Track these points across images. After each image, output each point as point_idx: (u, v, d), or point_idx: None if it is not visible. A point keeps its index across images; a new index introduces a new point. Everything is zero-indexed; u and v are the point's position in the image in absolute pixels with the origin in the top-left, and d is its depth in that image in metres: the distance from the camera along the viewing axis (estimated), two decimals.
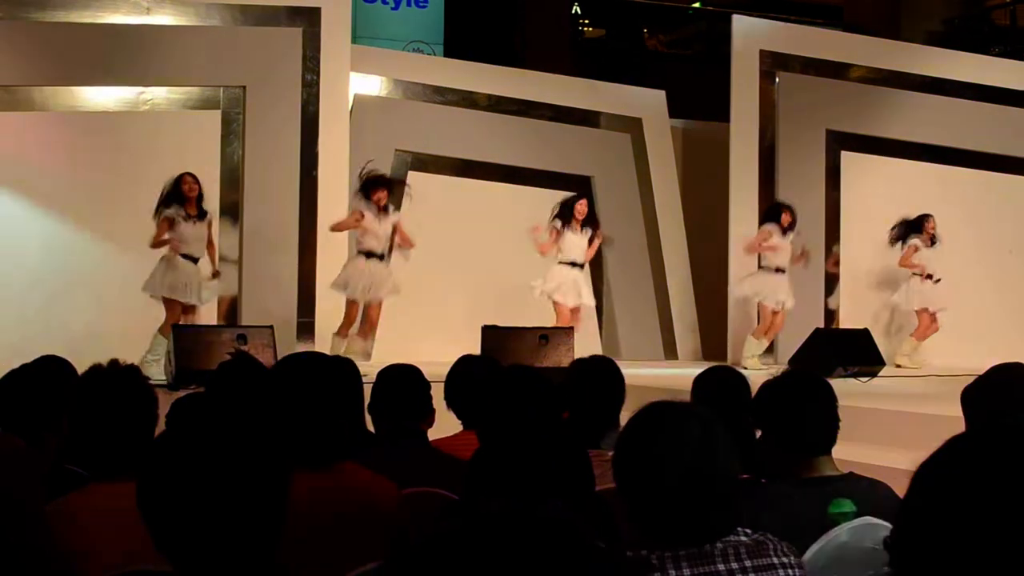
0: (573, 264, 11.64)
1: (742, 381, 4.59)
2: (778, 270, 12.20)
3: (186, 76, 11.63)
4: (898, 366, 12.71)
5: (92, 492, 3.03)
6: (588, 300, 11.89)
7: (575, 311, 11.68)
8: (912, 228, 12.85)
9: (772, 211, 12.37)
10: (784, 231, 12.14)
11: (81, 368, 3.62)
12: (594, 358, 4.85)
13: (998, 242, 14.13)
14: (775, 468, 3.58)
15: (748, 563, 2.37)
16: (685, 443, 2.37)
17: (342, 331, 11.08)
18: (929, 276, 12.85)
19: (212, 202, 11.50)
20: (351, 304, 11.07)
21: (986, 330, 13.48)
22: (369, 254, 10.93)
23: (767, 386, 3.62)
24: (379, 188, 10.87)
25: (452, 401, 4.71)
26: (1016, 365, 3.94)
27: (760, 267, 12.32)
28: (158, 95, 11.62)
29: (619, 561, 2.20)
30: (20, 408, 3.88)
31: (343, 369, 3.56)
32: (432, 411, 4.31)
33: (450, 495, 3.53)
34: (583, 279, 11.76)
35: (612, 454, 4.18)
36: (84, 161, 11.37)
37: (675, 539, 2.33)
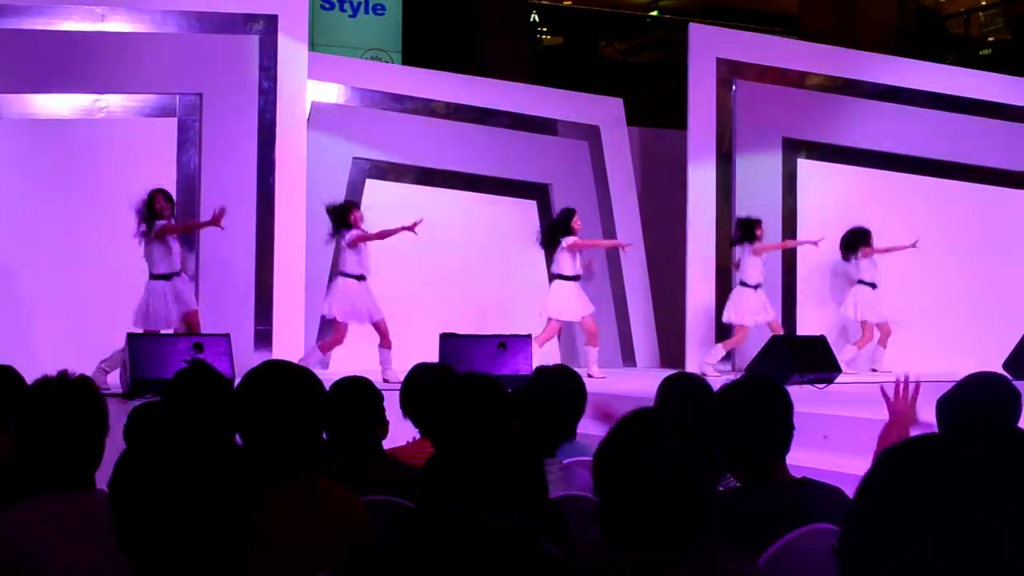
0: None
1: (706, 388, 4.60)
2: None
3: (142, 83, 11.55)
4: (873, 370, 12.99)
5: (44, 503, 3.00)
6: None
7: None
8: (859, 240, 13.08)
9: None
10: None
11: (30, 378, 3.59)
12: (558, 368, 4.85)
13: (952, 248, 14.23)
14: (732, 473, 3.59)
15: (707, 568, 2.38)
16: (665, 452, 2.39)
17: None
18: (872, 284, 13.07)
19: None
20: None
21: (938, 336, 13.59)
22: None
23: (724, 392, 3.64)
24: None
25: (408, 409, 4.69)
26: (990, 375, 3.98)
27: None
28: (113, 103, 11.54)
29: (569, 567, 2.21)
30: None
31: (309, 380, 3.53)
32: (386, 422, 4.31)
33: (406, 503, 3.51)
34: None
35: (568, 461, 4.19)
36: (38, 169, 11.27)
37: (642, 542, 2.35)
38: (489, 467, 2.54)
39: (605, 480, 2.42)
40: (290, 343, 11.28)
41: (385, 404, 4.40)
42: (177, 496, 2.07)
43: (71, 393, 3.18)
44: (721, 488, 3.65)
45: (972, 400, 3.82)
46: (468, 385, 3.79)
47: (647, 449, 2.40)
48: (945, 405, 3.89)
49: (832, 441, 7.35)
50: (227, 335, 9.99)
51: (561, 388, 4.47)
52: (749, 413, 3.51)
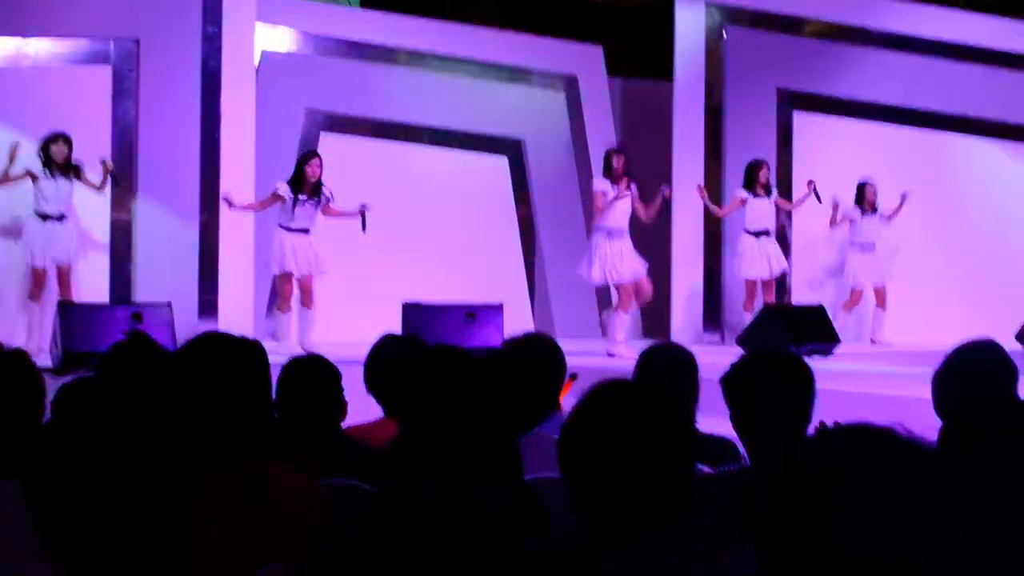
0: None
1: (690, 360, 4.60)
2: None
3: (72, 27, 11.44)
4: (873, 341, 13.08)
5: None
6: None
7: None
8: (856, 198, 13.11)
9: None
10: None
11: None
12: (531, 336, 4.83)
13: (960, 208, 14.28)
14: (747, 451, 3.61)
15: (699, 548, 2.39)
16: (633, 427, 2.39)
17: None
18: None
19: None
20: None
21: (941, 301, 13.63)
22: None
23: (742, 365, 3.63)
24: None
25: (373, 384, 4.67)
26: (983, 343, 3.99)
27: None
28: (41, 48, 11.42)
29: (547, 548, 2.21)
30: None
31: (252, 352, 3.52)
32: (344, 404, 4.30)
33: (368, 487, 3.51)
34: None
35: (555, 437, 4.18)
36: None
37: (622, 523, 2.35)
38: (461, 447, 2.53)
39: (571, 458, 2.42)
40: (238, 312, 11.22)
41: (345, 381, 4.39)
42: (102, 486, 2.04)
43: (3, 367, 3.14)
44: (730, 468, 3.67)
45: (970, 372, 3.84)
46: (439, 358, 3.78)
47: (616, 423, 2.39)
48: (942, 379, 3.90)
49: (829, 421, 7.37)
50: (168, 304, 9.97)
51: (539, 359, 4.45)
52: (767, 390, 3.51)
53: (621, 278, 11.55)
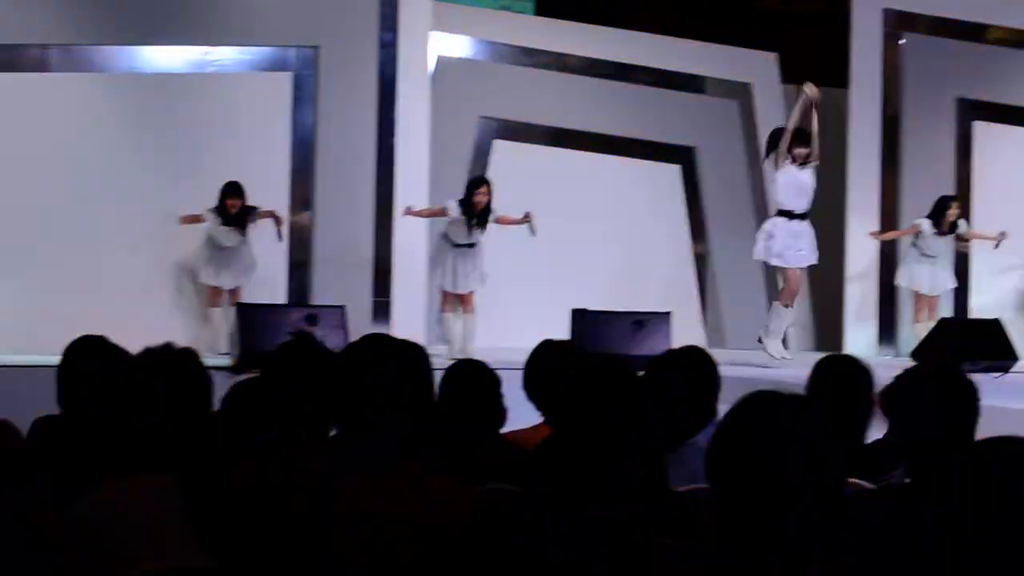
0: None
1: (865, 374, 4.50)
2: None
3: (255, 35, 11.70)
4: None
5: (133, 484, 3.04)
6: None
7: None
8: None
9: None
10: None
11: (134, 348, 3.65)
12: (689, 348, 4.81)
13: None
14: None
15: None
16: (781, 439, 2.33)
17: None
18: None
19: (282, 172, 11.62)
20: None
21: None
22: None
23: (901, 379, 3.55)
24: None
25: (530, 389, 4.69)
26: None
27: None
28: (225, 55, 11.70)
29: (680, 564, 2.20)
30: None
31: (414, 355, 3.54)
32: (503, 411, 4.33)
33: (518, 491, 3.52)
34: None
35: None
36: (146, 126, 11.47)
37: (757, 545, 2.30)
38: (601, 453, 2.52)
39: (715, 467, 2.37)
40: (411, 316, 11.36)
41: (510, 386, 4.43)
42: (254, 480, 2.09)
43: (174, 366, 3.20)
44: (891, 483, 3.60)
45: None
46: (596, 368, 3.76)
47: (761, 433, 2.33)
48: None
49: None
50: (342, 307, 10.11)
51: (695, 367, 4.43)
52: (924, 405, 3.43)
53: (788, 263, 10.72)
